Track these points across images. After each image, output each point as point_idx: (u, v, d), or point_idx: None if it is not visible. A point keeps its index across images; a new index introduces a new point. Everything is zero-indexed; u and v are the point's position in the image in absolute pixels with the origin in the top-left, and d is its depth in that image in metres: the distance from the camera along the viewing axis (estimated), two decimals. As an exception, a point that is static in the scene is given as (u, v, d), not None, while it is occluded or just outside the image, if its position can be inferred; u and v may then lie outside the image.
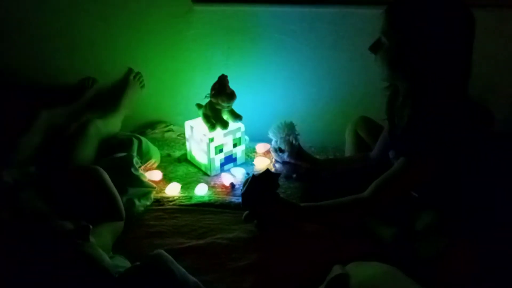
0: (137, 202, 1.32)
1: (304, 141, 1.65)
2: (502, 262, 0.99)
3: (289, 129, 1.46)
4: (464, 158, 1.03)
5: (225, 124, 1.50)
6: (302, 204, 1.14)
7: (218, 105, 1.49)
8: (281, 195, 1.36)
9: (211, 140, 1.49)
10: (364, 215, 1.14)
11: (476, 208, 1.07)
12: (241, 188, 1.19)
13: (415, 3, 0.99)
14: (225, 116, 1.53)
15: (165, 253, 0.98)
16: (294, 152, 1.44)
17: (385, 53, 1.05)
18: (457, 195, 1.09)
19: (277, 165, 1.50)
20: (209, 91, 1.49)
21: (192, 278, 0.98)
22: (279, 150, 1.47)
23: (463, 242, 0.98)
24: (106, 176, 1.22)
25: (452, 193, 1.09)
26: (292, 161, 1.46)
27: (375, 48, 1.08)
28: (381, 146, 1.33)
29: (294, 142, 1.44)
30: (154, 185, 1.43)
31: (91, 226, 0.96)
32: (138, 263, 0.96)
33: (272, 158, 1.55)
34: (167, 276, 0.92)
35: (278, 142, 1.47)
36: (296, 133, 1.47)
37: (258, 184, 1.15)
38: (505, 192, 1.11)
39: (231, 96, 1.48)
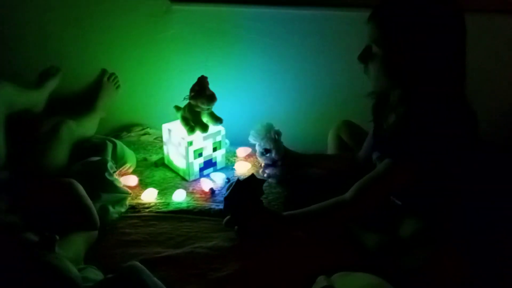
0: (111, 209, 1.26)
1: (286, 145, 1.62)
2: (489, 269, 0.98)
3: (268, 127, 1.44)
4: (450, 164, 1.01)
5: (204, 127, 1.45)
6: (284, 213, 1.11)
7: (198, 107, 1.44)
8: (263, 201, 1.34)
9: (190, 143, 1.44)
10: (348, 218, 1.11)
11: (461, 215, 1.06)
12: (224, 192, 1.15)
13: (403, 8, 0.96)
14: (205, 119, 1.48)
15: (140, 265, 0.93)
16: (281, 148, 1.42)
17: (379, 62, 1.01)
18: (441, 202, 1.07)
19: (268, 170, 1.46)
20: (188, 93, 1.44)
21: None
22: (265, 152, 1.44)
23: (448, 250, 0.97)
24: (81, 189, 1.15)
25: (436, 200, 1.08)
26: (281, 157, 1.43)
27: (365, 57, 1.04)
28: (368, 147, 1.31)
29: (277, 137, 1.42)
30: (129, 191, 1.37)
31: (57, 237, 0.90)
32: (110, 275, 0.90)
33: (261, 164, 1.50)
34: None
35: (262, 144, 1.44)
36: (276, 129, 1.45)
37: (242, 189, 1.12)
38: (489, 199, 1.12)
39: (211, 98, 1.43)
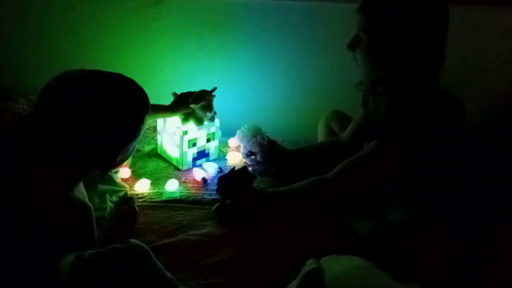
0: (108, 197, 1.27)
1: (277, 135, 1.65)
2: (475, 254, 1.01)
3: (255, 131, 1.46)
4: (437, 149, 1.05)
5: (200, 121, 1.48)
6: (268, 190, 1.16)
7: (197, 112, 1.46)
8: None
9: (185, 133, 1.45)
10: (330, 196, 1.13)
11: (449, 202, 1.09)
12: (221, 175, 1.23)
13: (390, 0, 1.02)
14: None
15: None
16: (265, 151, 1.43)
17: (364, 49, 1.07)
18: (429, 188, 1.10)
19: (251, 168, 1.47)
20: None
21: (169, 275, 0.94)
22: (249, 154, 1.46)
23: (436, 236, 1.00)
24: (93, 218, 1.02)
25: (424, 186, 1.11)
26: (265, 159, 1.44)
27: (353, 45, 1.09)
28: (353, 129, 1.34)
29: (262, 142, 1.43)
30: (126, 186, 1.37)
31: None
32: (117, 245, 0.84)
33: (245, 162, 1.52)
34: (150, 267, 0.86)
35: (248, 147, 1.46)
36: (263, 132, 1.46)
37: (234, 174, 1.19)
38: (477, 187, 1.15)
39: (210, 111, 1.45)
